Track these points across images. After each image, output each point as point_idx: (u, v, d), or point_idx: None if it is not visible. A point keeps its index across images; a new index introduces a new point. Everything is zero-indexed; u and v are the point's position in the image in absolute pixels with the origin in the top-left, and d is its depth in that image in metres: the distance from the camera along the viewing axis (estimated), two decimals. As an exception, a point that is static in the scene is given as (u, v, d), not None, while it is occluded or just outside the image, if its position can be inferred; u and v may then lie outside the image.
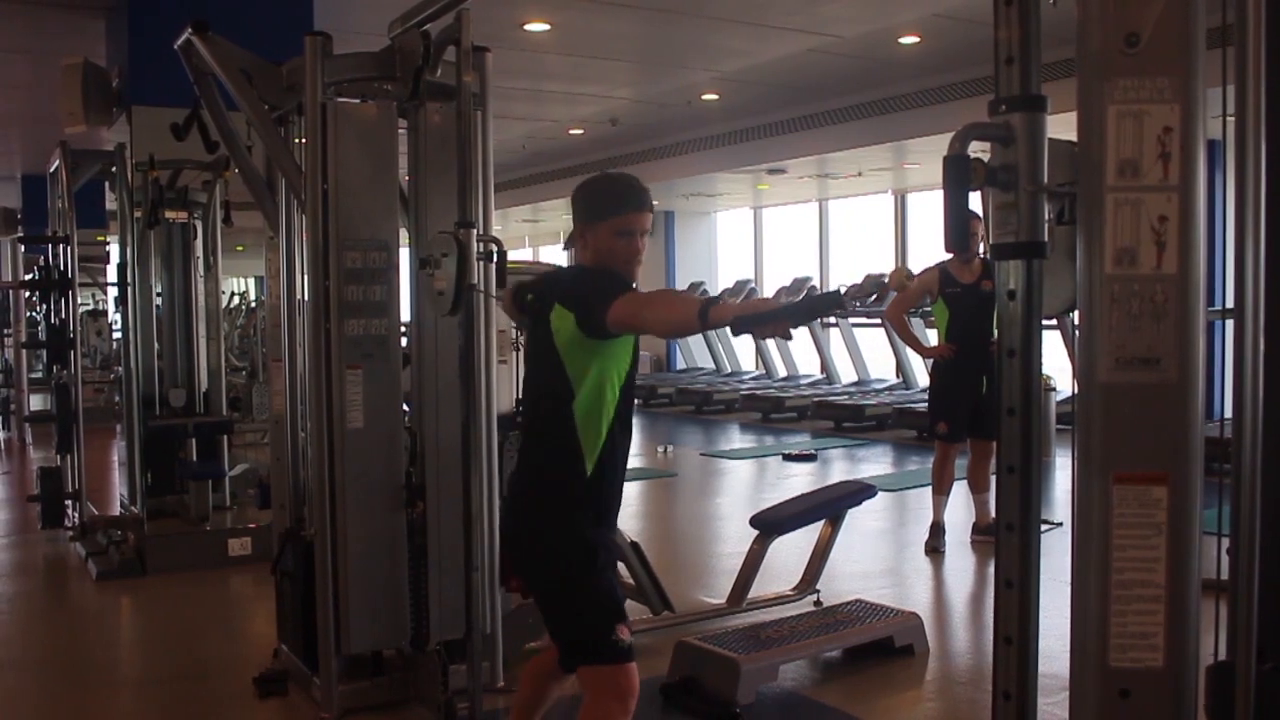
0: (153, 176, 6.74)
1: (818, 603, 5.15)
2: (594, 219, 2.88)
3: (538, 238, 22.77)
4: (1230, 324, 1.83)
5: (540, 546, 2.91)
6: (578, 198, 2.95)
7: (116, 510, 7.67)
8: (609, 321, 2.70)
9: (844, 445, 11.08)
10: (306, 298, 4.29)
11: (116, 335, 9.64)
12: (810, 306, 2.49)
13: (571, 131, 13.64)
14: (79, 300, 7.49)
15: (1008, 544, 2.01)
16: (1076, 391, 1.84)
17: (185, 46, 4.52)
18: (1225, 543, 1.85)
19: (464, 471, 3.78)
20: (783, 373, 15.34)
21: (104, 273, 10.99)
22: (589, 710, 2.86)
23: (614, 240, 2.85)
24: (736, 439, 12.11)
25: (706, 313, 2.49)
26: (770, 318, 2.41)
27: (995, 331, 2.09)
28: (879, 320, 12.28)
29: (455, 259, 3.60)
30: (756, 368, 16.14)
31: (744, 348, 16.43)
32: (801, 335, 14.33)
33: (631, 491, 8.80)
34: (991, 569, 2.10)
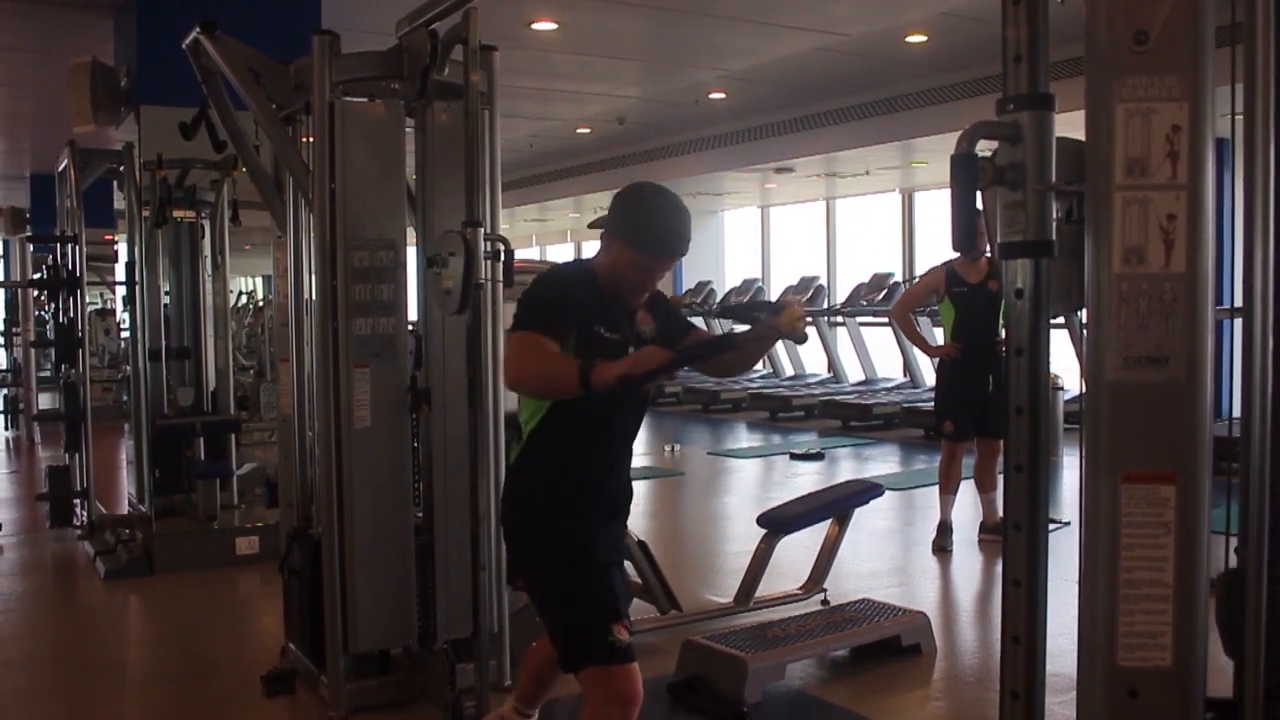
0: (160, 176, 6.76)
1: (825, 602, 5.14)
2: (624, 239, 2.76)
3: (545, 236, 22.78)
4: (1239, 323, 1.82)
5: (528, 544, 2.89)
6: (620, 204, 2.82)
7: (124, 509, 7.69)
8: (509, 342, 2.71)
9: (851, 444, 11.07)
10: (314, 297, 4.29)
11: (124, 334, 9.68)
12: (697, 350, 2.61)
13: (579, 130, 13.64)
14: (87, 299, 7.51)
15: (1015, 543, 2.00)
16: (1084, 390, 1.83)
17: (193, 46, 4.53)
18: (1234, 542, 1.84)
19: (471, 470, 3.79)
20: (790, 372, 15.34)
21: (112, 272, 11.03)
22: (589, 717, 2.78)
23: (631, 270, 2.77)
24: (744, 438, 12.10)
25: (588, 379, 2.47)
26: (655, 374, 2.45)
27: (1002, 330, 2.08)
28: (886, 319, 12.27)
29: (462, 258, 3.61)
30: (764, 367, 16.13)
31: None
32: (808, 335, 14.33)
33: (638, 490, 8.76)
34: (999, 568, 2.10)
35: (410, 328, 4.16)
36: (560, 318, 2.69)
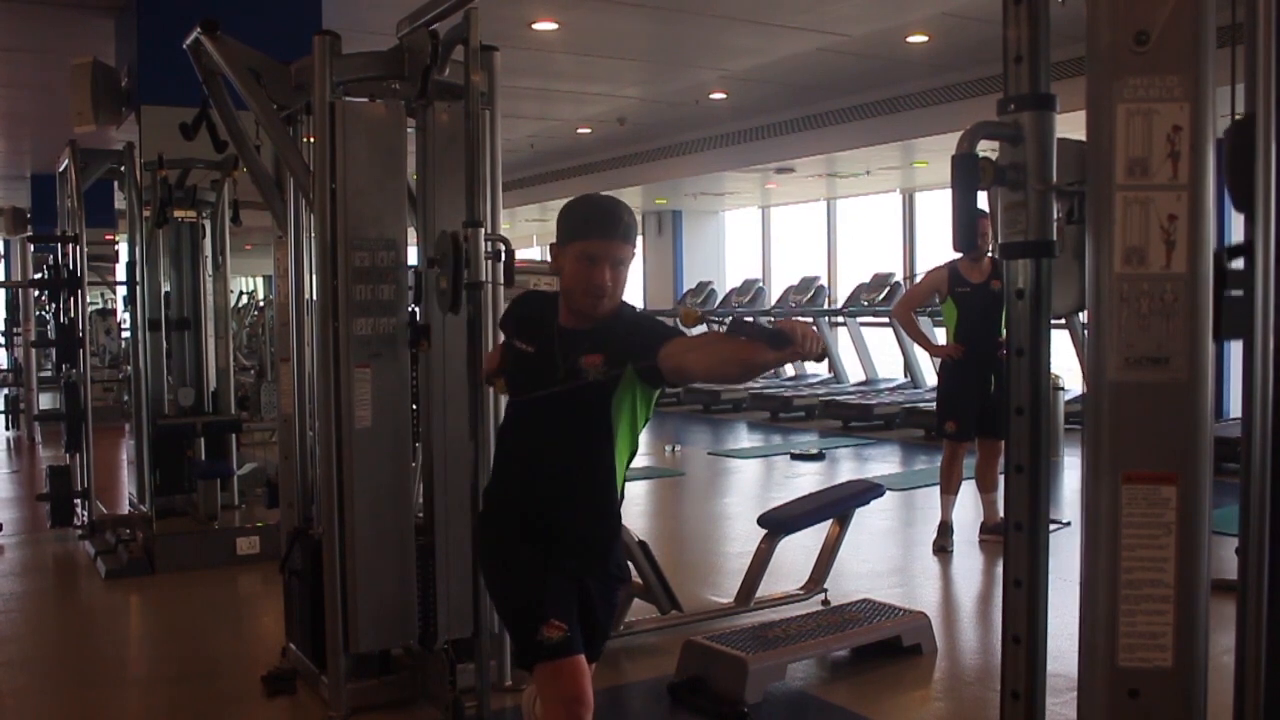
0: (161, 176, 6.76)
1: (825, 602, 5.14)
2: (563, 240, 2.78)
3: (545, 237, 22.76)
4: (1240, 323, 1.82)
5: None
6: (557, 218, 2.85)
7: (125, 509, 7.70)
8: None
9: (852, 444, 11.07)
10: (315, 297, 4.29)
11: (125, 334, 9.68)
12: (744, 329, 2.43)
13: (580, 131, 13.65)
14: (88, 299, 7.51)
15: (1016, 543, 2.00)
16: (1085, 391, 1.83)
17: (194, 46, 4.53)
18: (1235, 542, 1.84)
19: (472, 469, 3.78)
20: (790, 372, 15.33)
21: (113, 272, 11.04)
22: (543, 715, 2.78)
23: (577, 267, 2.71)
24: (744, 438, 12.10)
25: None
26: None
27: (1004, 331, 2.08)
28: (887, 319, 12.27)
29: (451, 258, 3.62)
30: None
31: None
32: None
33: (639, 490, 8.81)
34: (1000, 568, 2.10)
35: (411, 265, 4.14)
36: (506, 324, 3.03)
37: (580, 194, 2.93)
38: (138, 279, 7.17)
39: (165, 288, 7.24)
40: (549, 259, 2.88)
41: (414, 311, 4.09)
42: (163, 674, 4.76)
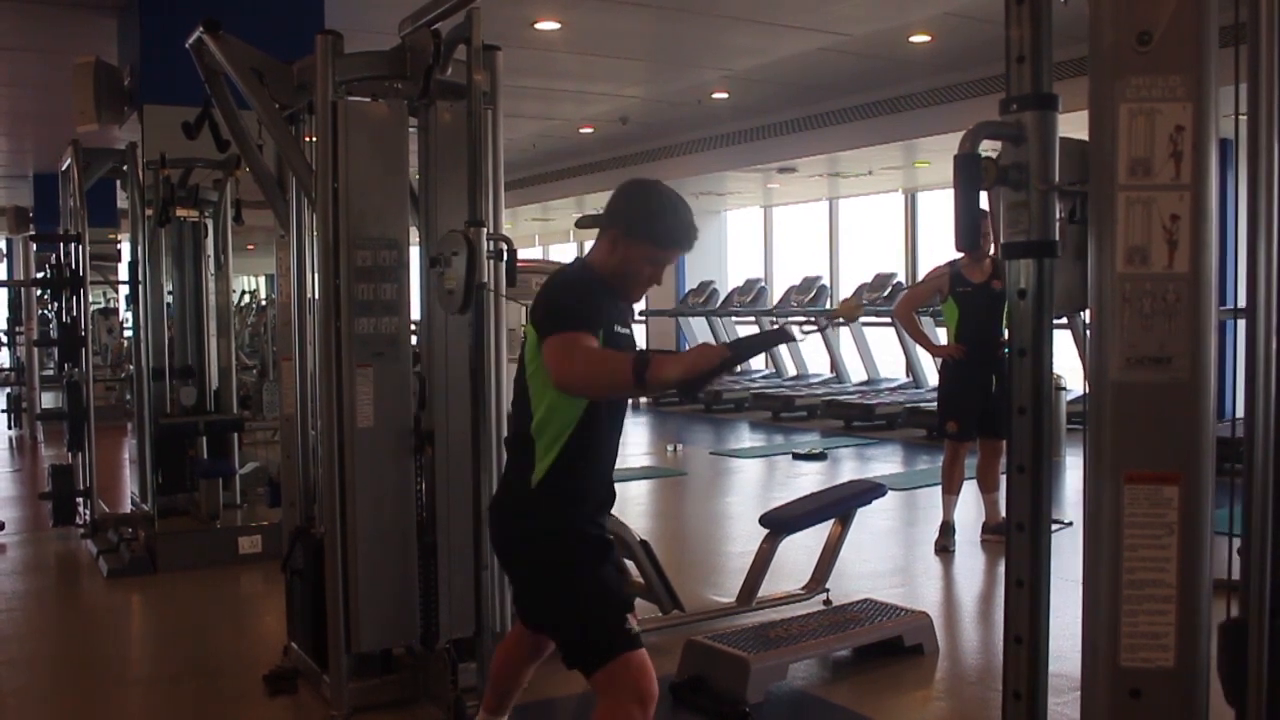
0: (164, 175, 6.76)
1: (827, 602, 5.14)
2: (635, 236, 2.76)
3: (548, 236, 22.78)
4: (1242, 323, 1.82)
5: (526, 548, 2.88)
6: (628, 201, 2.81)
7: (127, 508, 7.70)
8: (543, 351, 2.64)
9: (854, 444, 11.07)
10: (317, 296, 4.29)
11: (128, 333, 9.68)
12: (753, 344, 2.54)
13: (582, 130, 13.65)
14: (90, 298, 7.52)
15: (1018, 543, 2.00)
16: (1087, 390, 1.83)
17: (196, 45, 4.53)
18: (1237, 543, 1.84)
19: (474, 469, 3.79)
20: (792, 371, 15.33)
21: (115, 271, 11.04)
22: (605, 715, 2.74)
23: (643, 264, 2.78)
24: (746, 438, 12.10)
25: (643, 375, 2.41)
26: (716, 373, 2.42)
27: (1006, 330, 2.08)
28: (889, 320, 12.26)
29: (465, 258, 3.61)
30: (766, 366, 16.13)
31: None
32: (811, 335, 14.33)
33: (640, 490, 8.81)
34: (1002, 568, 2.10)
35: (412, 328, 4.14)
36: (593, 316, 2.68)
37: (650, 182, 2.90)
38: (140, 278, 7.17)
39: (168, 287, 7.23)
40: (601, 237, 2.83)
41: (419, 418, 4.06)
42: (164, 673, 4.77)
